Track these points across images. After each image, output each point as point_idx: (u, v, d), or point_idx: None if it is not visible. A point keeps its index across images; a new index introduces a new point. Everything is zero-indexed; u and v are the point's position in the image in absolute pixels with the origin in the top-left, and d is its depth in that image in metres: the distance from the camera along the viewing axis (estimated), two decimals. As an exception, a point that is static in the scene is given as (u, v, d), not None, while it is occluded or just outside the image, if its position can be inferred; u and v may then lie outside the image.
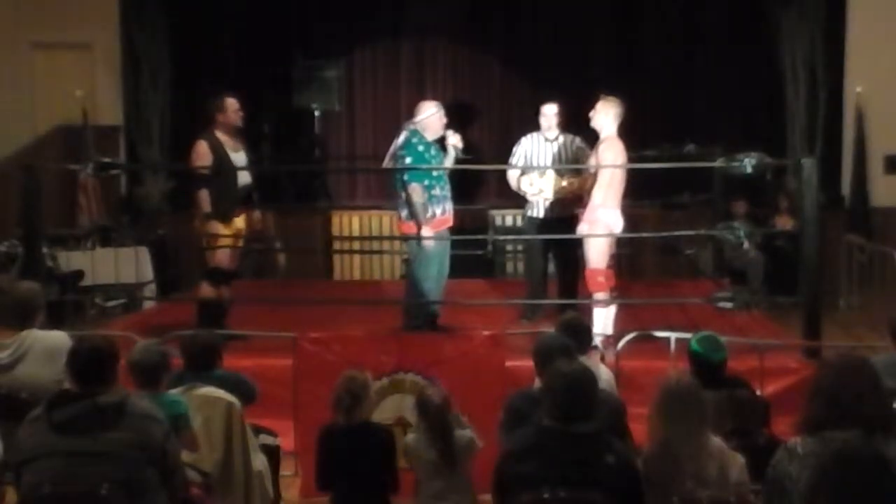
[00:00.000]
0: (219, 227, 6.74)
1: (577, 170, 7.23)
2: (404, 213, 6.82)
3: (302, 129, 11.06)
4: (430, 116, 6.88)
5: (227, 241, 6.82)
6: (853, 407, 2.94)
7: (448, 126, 7.01)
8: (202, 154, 6.68)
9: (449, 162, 6.91)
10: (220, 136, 6.76)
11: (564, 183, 7.27)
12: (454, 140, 6.92)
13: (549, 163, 7.41)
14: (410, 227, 6.79)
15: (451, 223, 6.93)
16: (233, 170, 6.77)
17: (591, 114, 6.73)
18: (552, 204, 7.35)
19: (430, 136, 6.89)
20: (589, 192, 6.76)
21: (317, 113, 10.76)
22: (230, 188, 6.77)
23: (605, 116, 6.67)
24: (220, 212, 6.70)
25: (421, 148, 6.79)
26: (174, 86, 10.54)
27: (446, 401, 4.12)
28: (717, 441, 3.50)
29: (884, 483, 2.51)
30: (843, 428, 2.89)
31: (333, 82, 10.66)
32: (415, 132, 6.83)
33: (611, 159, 6.59)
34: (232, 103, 6.80)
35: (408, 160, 6.75)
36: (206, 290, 6.89)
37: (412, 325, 6.88)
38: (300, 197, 10.44)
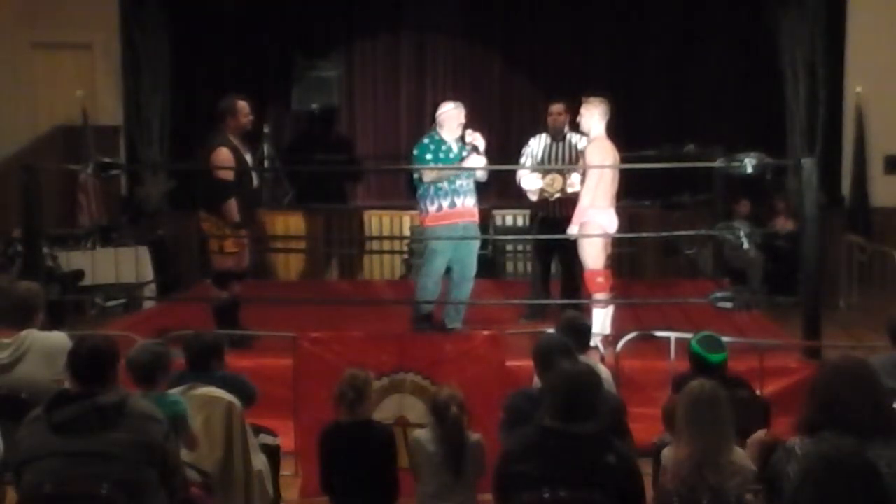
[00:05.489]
0: (243, 233, 6.68)
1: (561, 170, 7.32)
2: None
3: (302, 129, 11.07)
4: (445, 112, 7.00)
5: (240, 245, 6.73)
6: (848, 410, 2.94)
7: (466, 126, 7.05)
8: (227, 162, 6.51)
9: (472, 161, 6.94)
10: (233, 139, 6.63)
11: (556, 184, 7.30)
12: (470, 138, 6.96)
13: (556, 162, 7.42)
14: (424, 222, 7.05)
15: (465, 218, 6.94)
16: (251, 174, 6.75)
17: (578, 118, 6.79)
18: (557, 203, 7.36)
19: (447, 133, 6.95)
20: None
21: (317, 113, 10.76)
22: (251, 194, 6.76)
23: (591, 117, 6.69)
24: (246, 218, 6.65)
25: (433, 146, 6.93)
26: (174, 86, 10.53)
27: (462, 406, 4.12)
28: (741, 454, 3.49)
29: (869, 490, 2.51)
30: (840, 430, 2.89)
31: (333, 82, 10.66)
32: (433, 133, 7.00)
33: (598, 160, 6.60)
34: (243, 106, 6.66)
35: (415, 152, 6.99)
36: (215, 293, 6.82)
37: (415, 327, 6.92)
38: (301, 198, 10.44)
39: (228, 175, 6.54)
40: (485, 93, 11.04)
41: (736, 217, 9.21)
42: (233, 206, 6.51)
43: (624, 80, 10.31)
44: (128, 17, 10.51)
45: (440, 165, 6.84)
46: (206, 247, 6.82)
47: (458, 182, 6.86)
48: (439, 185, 6.83)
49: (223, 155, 6.53)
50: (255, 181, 6.92)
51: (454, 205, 6.85)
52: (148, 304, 8.69)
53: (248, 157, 6.85)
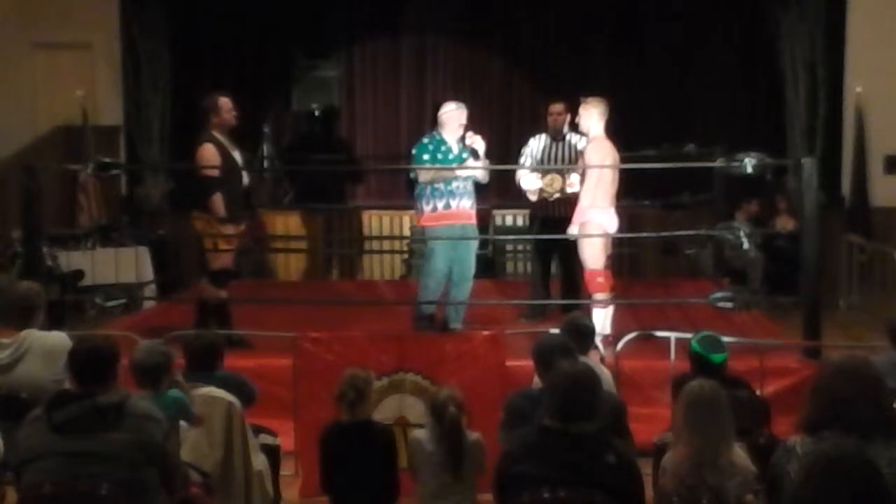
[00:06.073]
0: (231, 230, 6.68)
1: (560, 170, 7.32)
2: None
3: (302, 129, 11.07)
4: (447, 112, 7.02)
5: (233, 243, 6.76)
6: (850, 409, 2.94)
7: (468, 128, 7.05)
8: (212, 158, 6.54)
9: (472, 162, 6.94)
10: (219, 136, 6.66)
11: (556, 184, 7.31)
12: (470, 141, 6.96)
13: (556, 162, 7.43)
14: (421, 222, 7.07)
15: (461, 220, 6.92)
16: (238, 170, 6.75)
17: (577, 119, 6.79)
18: (557, 203, 7.36)
19: (448, 133, 6.96)
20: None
21: (317, 113, 10.76)
22: (239, 190, 6.76)
23: (590, 118, 6.70)
24: (233, 214, 6.65)
25: (432, 147, 6.93)
26: (174, 86, 10.53)
27: (461, 406, 4.12)
28: (741, 454, 3.48)
29: (870, 489, 2.51)
30: (841, 430, 2.89)
31: (333, 82, 10.67)
32: (434, 133, 7.03)
33: (597, 160, 6.60)
34: (225, 103, 6.67)
35: (413, 152, 7.01)
36: (211, 291, 6.81)
37: (417, 325, 6.93)
38: (301, 198, 10.45)
39: (213, 171, 6.55)
40: (485, 93, 11.04)
41: (742, 216, 9.22)
42: (218, 200, 6.51)
43: (624, 80, 10.31)
44: (128, 17, 10.50)
45: (437, 166, 6.83)
46: (203, 246, 6.82)
47: (455, 184, 6.85)
48: (435, 185, 6.82)
49: (207, 151, 6.56)
50: (246, 178, 6.91)
51: (449, 206, 6.84)
52: (148, 304, 8.68)
53: (237, 154, 6.83)
